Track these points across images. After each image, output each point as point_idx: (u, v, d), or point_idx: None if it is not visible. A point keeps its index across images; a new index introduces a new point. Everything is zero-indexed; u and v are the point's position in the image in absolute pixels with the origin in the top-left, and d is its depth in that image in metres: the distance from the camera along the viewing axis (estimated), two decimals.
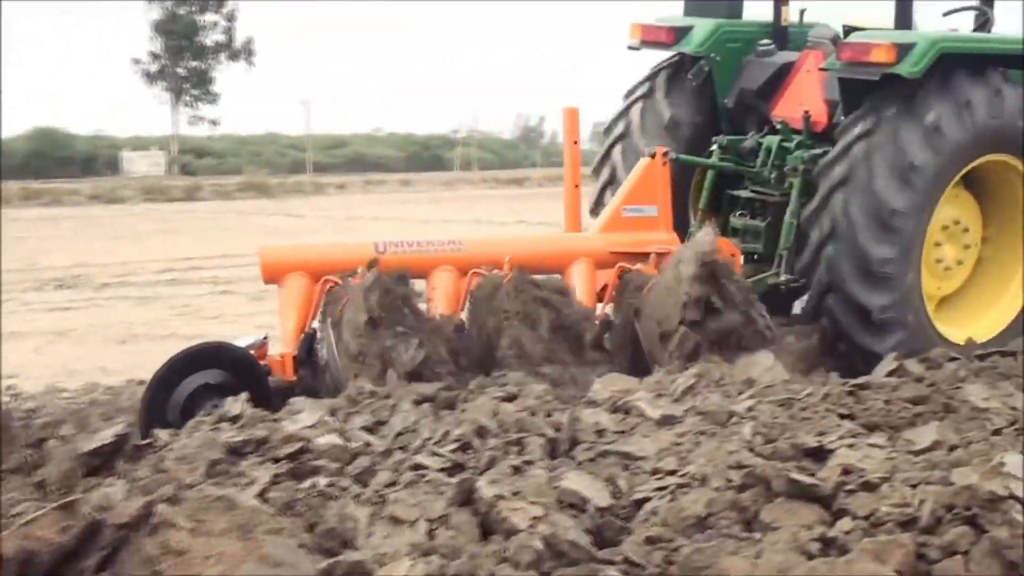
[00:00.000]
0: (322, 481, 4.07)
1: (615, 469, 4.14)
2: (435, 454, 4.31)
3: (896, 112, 6.80)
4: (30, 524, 3.20)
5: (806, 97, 7.74)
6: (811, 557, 3.28)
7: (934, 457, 4.09)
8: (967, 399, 5.02)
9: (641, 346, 6.19)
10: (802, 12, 8.54)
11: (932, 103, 6.77)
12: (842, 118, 7.17)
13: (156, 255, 17.33)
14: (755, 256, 7.50)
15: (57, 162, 51.37)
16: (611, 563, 3.38)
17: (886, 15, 7.52)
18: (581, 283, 6.49)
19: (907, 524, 3.42)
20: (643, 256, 6.67)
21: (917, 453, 4.21)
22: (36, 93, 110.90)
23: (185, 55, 58.84)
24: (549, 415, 4.87)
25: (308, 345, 5.93)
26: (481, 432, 4.55)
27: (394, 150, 65.17)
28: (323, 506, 3.87)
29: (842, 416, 4.75)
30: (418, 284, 6.09)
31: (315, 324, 5.98)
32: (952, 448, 4.22)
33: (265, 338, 5.99)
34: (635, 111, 8.16)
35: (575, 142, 7.36)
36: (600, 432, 4.67)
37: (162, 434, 4.92)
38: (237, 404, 5.15)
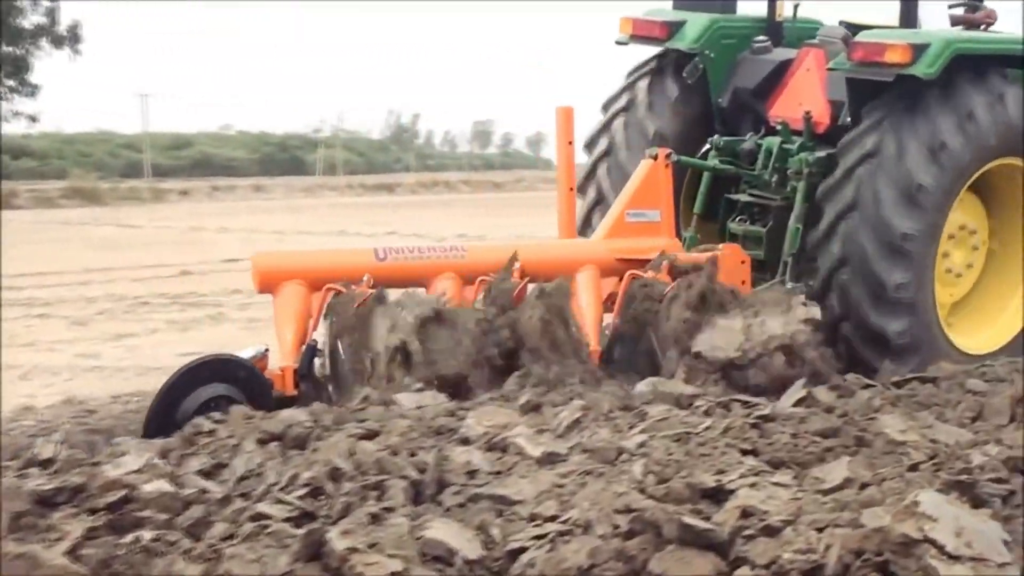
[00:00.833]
0: (147, 535, 3.97)
1: (488, 515, 4.13)
2: (280, 501, 4.25)
3: (903, 124, 7.29)
4: None
5: (806, 96, 8.17)
6: None
7: (844, 496, 4.17)
8: (882, 431, 5.13)
9: (653, 359, 6.70)
10: (796, 7, 8.94)
11: (940, 112, 7.31)
12: (848, 120, 7.69)
13: None
14: (756, 263, 7.83)
15: None
16: None
17: (883, 12, 8.13)
18: (587, 293, 6.93)
19: (812, 572, 3.47)
20: (646, 263, 7.11)
21: (825, 492, 4.28)
22: None
23: None
24: (414, 454, 4.84)
25: (310, 358, 6.30)
26: (335, 475, 4.50)
27: (246, 151, 64.50)
28: (147, 564, 3.78)
29: (744, 452, 4.81)
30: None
31: (315, 335, 6.36)
32: (864, 486, 4.30)
33: (266, 350, 6.32)
34: (617, 125, 8.58)
35: (569, 143, 7.70)
36: (472, 473, 4.65)
37: None
38: (49, 446, 5.01)
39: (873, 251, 7.21)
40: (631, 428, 5.24)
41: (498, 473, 4.71)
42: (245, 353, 6.27)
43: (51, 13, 58.27)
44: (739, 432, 5.02)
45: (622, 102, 8.63)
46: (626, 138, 8.47)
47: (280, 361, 6.28)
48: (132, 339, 10.87)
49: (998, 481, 4.19)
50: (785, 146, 7.89)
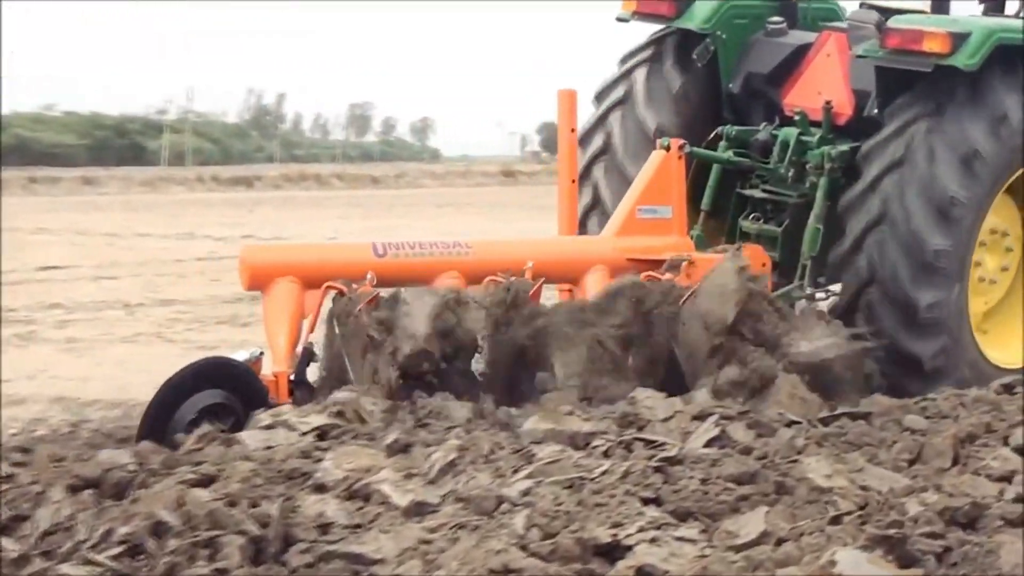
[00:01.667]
0: None
1: None
2: (90, 562, 4.20)
3: (932, 128, 7.69)
4: None
5: (826, 84, 8.52)
6: None
7: (757, 554, 4.22)
8: (805, 476, 5.19)
9: (672, 364, 7.14)
10: None
11: (972, 115, 7.68)
12: (875, 112, 8.03)
13: None
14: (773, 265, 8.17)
15: None
16: None
17: None
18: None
19: None
20: (660, 264, 7.57)
21: (737, 548, 4.33)
22: None
23: None
24: (256, 504, 4.80)
25: (306, 364, 6.74)
26: (158, 530, 4.45)
27: (74, 136, 63.54)
28: None
29: (646, 501, 4.84)
30: None
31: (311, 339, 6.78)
32: (780, 542, 4.36)
33: (261, 353, 6.70)
34: (614, 120, 8.85)
35: (572, 130, 8.12)
36: (324, 527, 4.64)
37: None
38: None
39: (904, 270, 7.60)
40: (515, 472, 5.24)
41: (356, 527, 4.70)
42: (239, 356, 6.64)
43: None
44: (641, 477, 5.05)
45: (619, 93, 8.94)
46: (624, 135, 8.80)
47: (272, 366, 6.62)
48: None
49: (933, 536, 4.27)
50: (804, 138, 8.27)
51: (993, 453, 5.50)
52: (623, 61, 9.05)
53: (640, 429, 6.11)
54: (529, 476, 5.14)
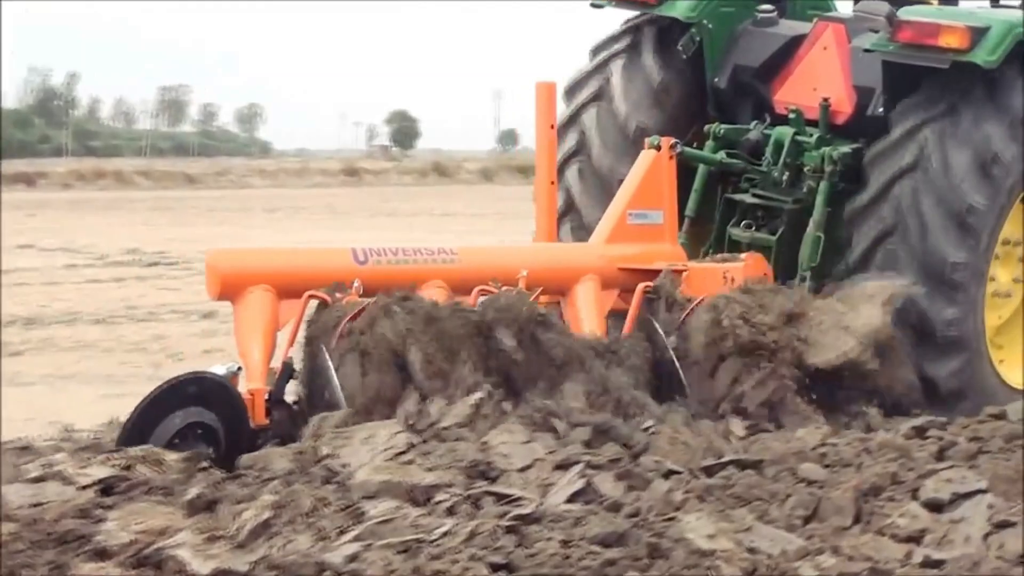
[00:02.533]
0: None
1: None
2: None
3: (946, 131, 8.08)
4: None
5: (823, 80, 8.89)
6: None
7: None
8: (684, 536, 5.24)
9: (669, 380, 7.68)
10: None
11: (990, 117, 8.05)
12: (880, 110, 8.41)
13: None
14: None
15: None
16: None
17: None
18: (589, 311, 7.96)
19: None
20: (653, 274, 8.11)
21: None
22: None
23: None
24: None
25: (286, 380, 7.10)
26: None
27: None
28: None
29: (495, 567, 4.86)
30: None
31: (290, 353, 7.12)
32: None
33: (239, 368, 6.93)
34: (588, 118, 9.25)
35: (551, 126, 8.56)
36: None
37: None
38: None
39: (923, 283, 8.01)
40: (341, 533, 5.24)
41: None
42: (216, 370, 6.90)
43: None
44: (489, 539, 5.07)
45: (592, 88, 9.30)
46: (600, 134, 9.19)
47: (247, 383, 6.91)
48: None
49: None
50: (800, 138, 8.61)
51: (900, 508, 5.58)
52: (595, 52, 9.39)
53: (492, 481, 6.17)
54: (357, 539, 5.15)
